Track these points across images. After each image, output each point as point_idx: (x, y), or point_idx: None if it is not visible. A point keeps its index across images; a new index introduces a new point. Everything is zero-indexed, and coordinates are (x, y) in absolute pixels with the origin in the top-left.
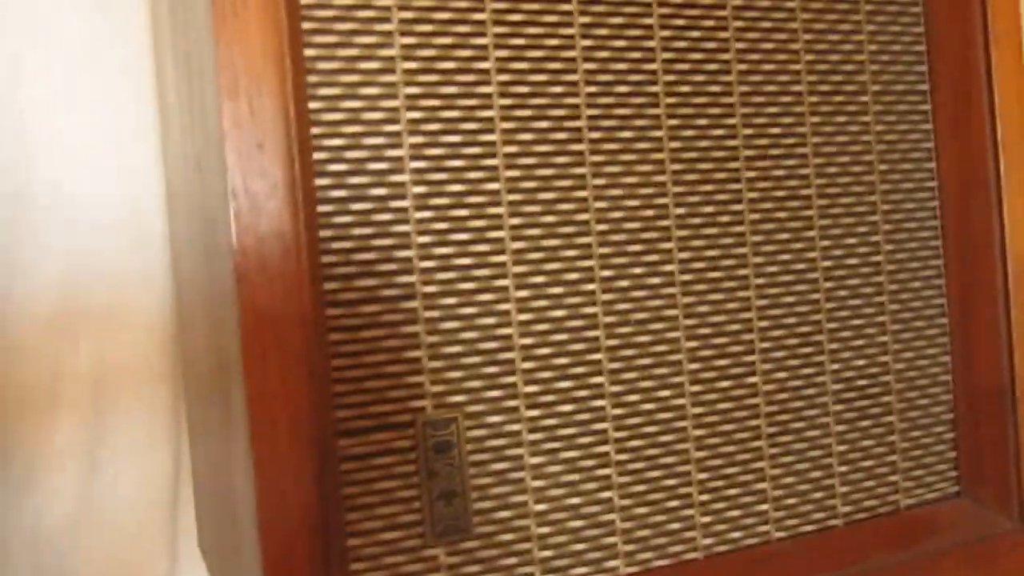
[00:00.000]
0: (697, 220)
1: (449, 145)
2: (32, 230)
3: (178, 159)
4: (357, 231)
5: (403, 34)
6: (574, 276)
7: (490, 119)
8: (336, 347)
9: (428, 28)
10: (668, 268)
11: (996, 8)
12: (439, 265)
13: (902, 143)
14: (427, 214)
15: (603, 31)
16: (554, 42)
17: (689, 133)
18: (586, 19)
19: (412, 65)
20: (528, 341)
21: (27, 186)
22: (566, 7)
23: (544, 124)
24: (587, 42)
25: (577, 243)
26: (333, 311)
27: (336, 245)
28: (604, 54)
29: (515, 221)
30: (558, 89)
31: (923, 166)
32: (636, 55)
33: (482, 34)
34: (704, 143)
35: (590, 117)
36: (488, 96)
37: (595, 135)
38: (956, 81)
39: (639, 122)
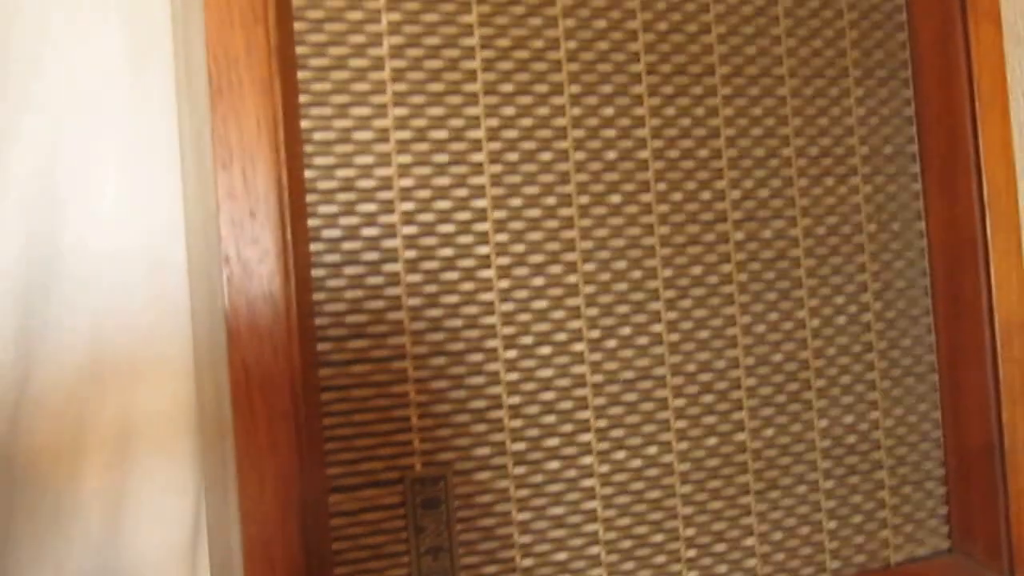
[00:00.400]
0: (685, 281)
1: (440, 211)
2: (61, 289)
3: (193, 223)
4: (349, 294)
5: (396, 104)
6: (562, 337)
7: (481, 186)
8: (327, 406)
9: (420, 100)
10: (656, 328)
11: (983, 74)
12: (428, 327)
13: (891, 203)
14: (417, 278)
15: (592, 100)
16: (544, 111)
17: (677, 196)
18: (576, 88)
19: (405, 135)
20: (516, 400)
21: (57, 248)
22: (556, 77)
23: (533, 190)
24: (576, 111)
25: (566, 304)
26: (325, 371)
27: (329, 307)
28: (593, 121)
29: (504, 284)
30: (547, 156)
31: (913, 226)
32: (625, 122)
33: (474, 103)
34: (692, 205)
35: (579, 183)
36: (479, 164)
37: (584, 199)
38: (944, 144)
39: (628, 187)
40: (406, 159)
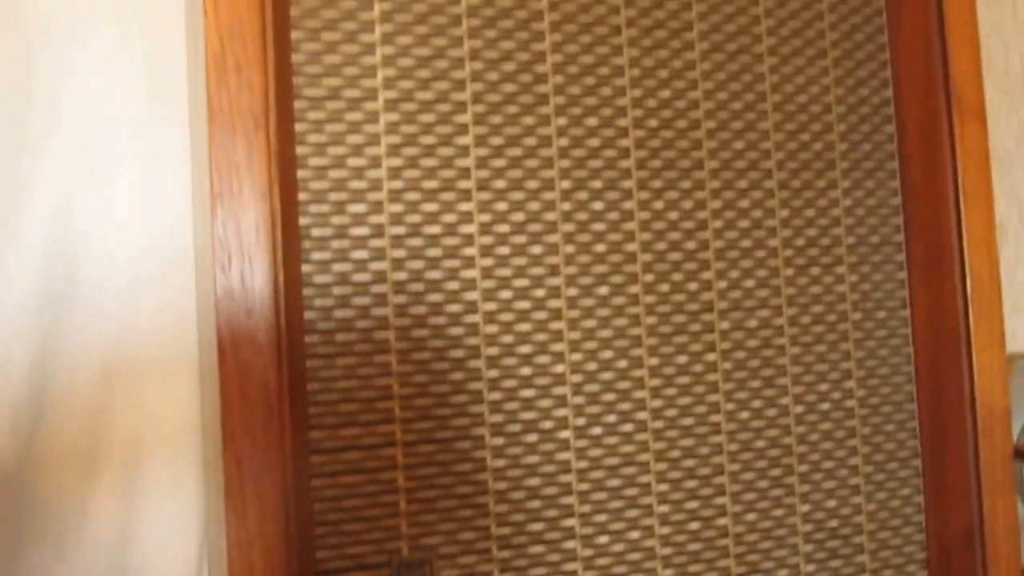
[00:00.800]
0: (669, 369)
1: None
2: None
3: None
4: (343, 383)
5: (392, 200)
6: (548, 425)
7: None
8: (318, 492)
9: (416, 196)
10: (640, 416)
11: (967, 170)
12: (418, 415)
13: (876, 292)
14: (408, 367)
15: (583, 195)
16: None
17: (664, 287)
18: (566, 183)
19: (400, 230)
20: (502, 486)
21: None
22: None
23: (523, 282)
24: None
25: (553, 394)
26: (317, 458)
27: (322, 397)
28: (583, 216)
29: (492, 374)
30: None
31: (897, 314)
32: (614, 216)
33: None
34: (679, 296)
35: (568, 276)
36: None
37: (572, 291)
38: (930, 235)
39: (616, 279)
40: (400, 253)
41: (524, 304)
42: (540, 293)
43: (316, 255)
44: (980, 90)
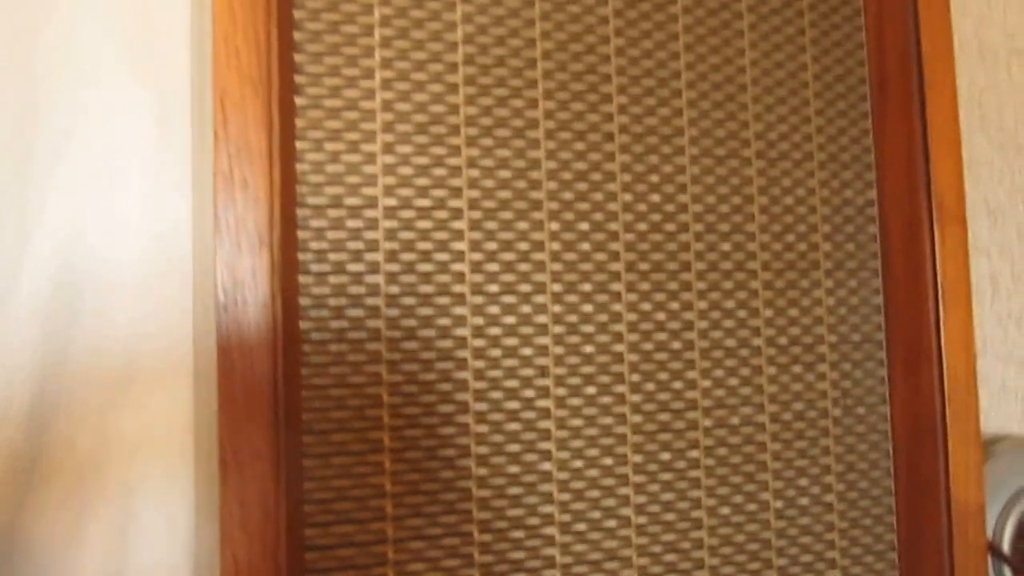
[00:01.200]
0: (653, 466)
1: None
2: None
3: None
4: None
5: (389, 305)
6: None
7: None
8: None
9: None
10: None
11: (947, 272)
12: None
13: (857, 388)
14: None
15: (574, 298)
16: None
17: (650, 386)
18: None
19: (397, 334)
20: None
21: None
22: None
23: (515, 401)
24: (557, 308)
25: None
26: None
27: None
28: (573, 318)
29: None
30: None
31: (877, 409)
32: (603, 318)
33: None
34: (664, 395)
35: (556, 376)
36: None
37: (561, 391)
38: (910, 334)
39: (603, 378)
40: (395, 356)
41: (515, 404)
42: (529, 393)
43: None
44: (961, 195)
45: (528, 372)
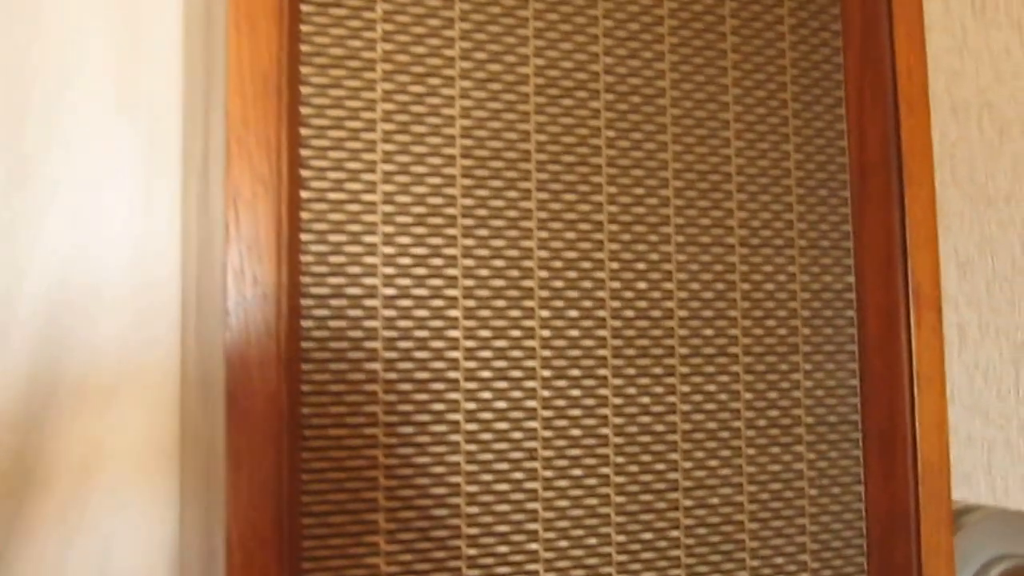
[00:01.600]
0: (636, 546)
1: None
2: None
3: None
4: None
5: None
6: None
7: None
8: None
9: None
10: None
11: (922, 359)
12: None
13: (833, 468)
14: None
15: (563, 383)
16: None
17: (633, 468)
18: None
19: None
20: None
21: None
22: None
23: (504, 466)
24: (546, 393)
25: (523, 449)
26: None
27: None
28: (561, 403)
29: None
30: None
31: (851, 489)
32: (590, 402)
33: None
34: (647, 476)
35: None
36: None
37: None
38: (885, 418)
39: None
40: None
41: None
42: (518, 455)
43: (317, 455)
44: (937, 283)
45: (518, 455)
